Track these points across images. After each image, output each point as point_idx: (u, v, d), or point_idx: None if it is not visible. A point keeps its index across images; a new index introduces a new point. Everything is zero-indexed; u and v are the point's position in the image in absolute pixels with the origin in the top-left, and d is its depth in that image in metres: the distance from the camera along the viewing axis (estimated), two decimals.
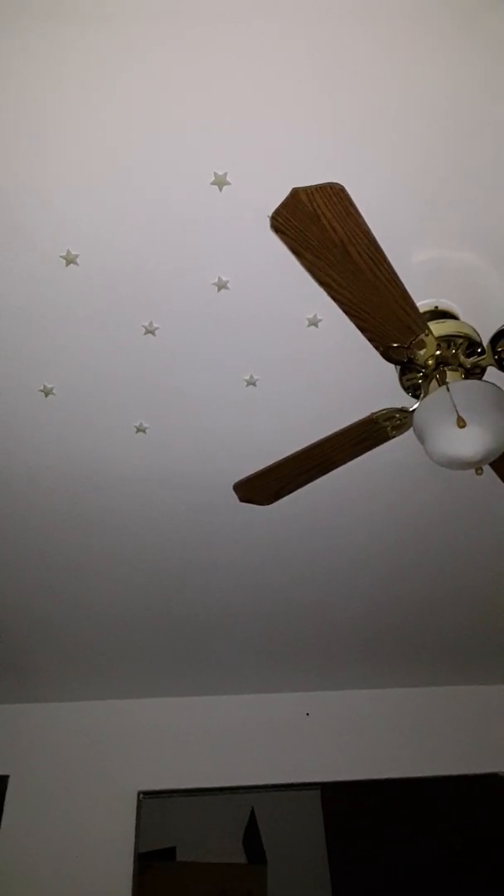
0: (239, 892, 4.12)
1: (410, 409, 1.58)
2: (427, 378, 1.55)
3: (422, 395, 1.58)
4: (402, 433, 1.65)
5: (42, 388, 1.80)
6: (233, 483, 1.82)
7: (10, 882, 3.04)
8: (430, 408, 1.43)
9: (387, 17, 1.20)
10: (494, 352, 1.51)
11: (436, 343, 1.49)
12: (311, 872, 4.25)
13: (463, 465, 1.44)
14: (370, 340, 1.44)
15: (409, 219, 1.47)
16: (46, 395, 1.82)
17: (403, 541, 2.49)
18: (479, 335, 1.57)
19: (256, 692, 3.64)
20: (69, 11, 1.17)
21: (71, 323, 1.65)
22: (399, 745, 3.52)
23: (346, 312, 1.36)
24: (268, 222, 1.20)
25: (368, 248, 1.22)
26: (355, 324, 1.39)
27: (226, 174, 1.37)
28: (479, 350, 1.56)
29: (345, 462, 1.72)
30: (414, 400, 1.63)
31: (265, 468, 1.73)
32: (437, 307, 1.62)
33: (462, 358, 1.55)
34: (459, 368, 1.54)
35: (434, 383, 1.53)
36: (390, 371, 1.67)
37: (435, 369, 1.53)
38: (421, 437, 1.48)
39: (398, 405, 1.64)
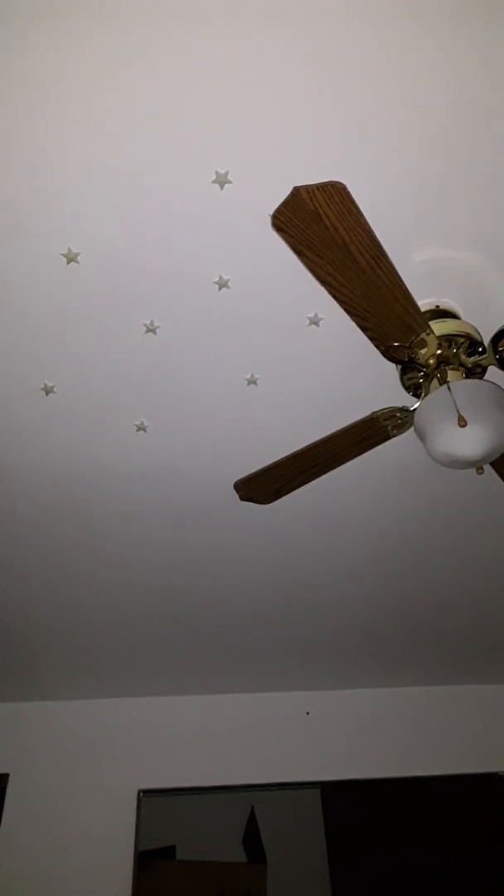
0: (239, 890, 4.13)
1: (411, 409, 1.58)
2: (428, 377, 1.55)
3: (423, 394, 1.58)
4: (402, 432, 1.65)
5: (43, 386, 1.80)
6: (233, 482, 1.82)
7: (10, 880, 3.04)
8: (431, 407, 1.43)
9: (387, 16, 1.20)
10: (495, 351, 1.51)
11: (437, 342, 1.48)
12: (311, 871, 4.24)
13: (464, 464, 1.44)
14: (371, 340, 1.43)
15: (410, 218, 1.47)
16: (47, 393, 1.82)
17: (404, 540, 2.49)
18: (480, 334, 1.57)
19: (256, 691, 3.64)
20: (71, 9, 1.17)
21: (72, 321, 1.65)
22: (399, 745, 3.52)
23: (348, 311, 1.36)
24: (269, 221, 1.20)
25: (370, 247, 1.22)
26: (356, 323, 1.39)
27: (227, 173, 1.37)
28: (480, 349, 1.56)
29: (346, 461, 1.72)
30: (415, 399, 1.63)
31: (266, 467, 1.73)
32: (438, 306, 1.62)
33: (463, 357, 1.55)
34: (460, 368, 1.54)
35: (435, 382, 1.53)
36: (391, 370, 1.67)
37: (436, 368, 1.53)
38: (422, 437, 1.48)
39: (399, 404, 1.64)
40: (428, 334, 1.44)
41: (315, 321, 1.66)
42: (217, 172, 1.37)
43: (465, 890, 3.25)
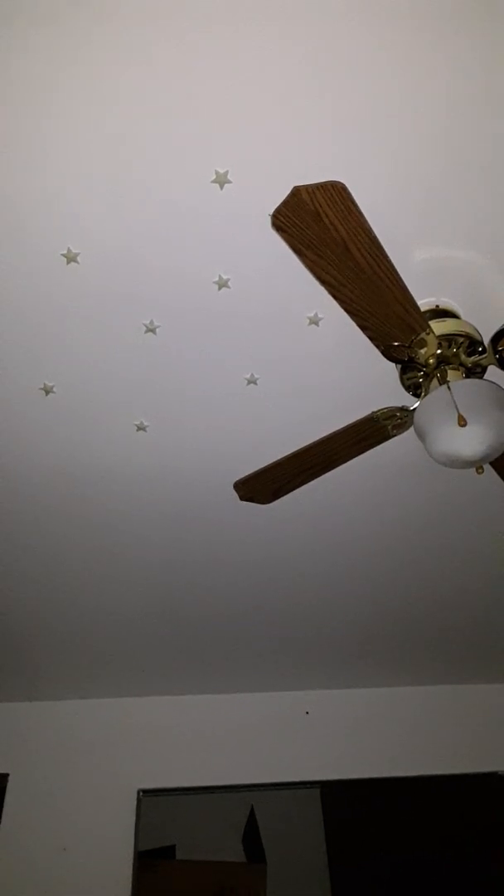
0: (238, 890, 4.13)
1: (411, 408, 1.58)
2: (428, 377, 1.55)
3: (422, 393, 1.58)
4: (402, 432, 1.65)
5: (42, 386, 1.80)
6: (233, 482, 1.82)
7: (10, 880, 3.04)
8: (431, 406, 1.43)
9: (387, 16, 1.20)
10: (495, 350, 1.51)
11: (437, 342, 1.48)
12: (311, 871, 4.25)
13: (464, 463, 1.44)
14: (371, 339, 1.44)
15: (409, 217, 1.47)
16: (47, 393, 1.82)
17: (404, 539, 2.49)
18: (479, 334, 1.57)
19: (256, 691, 3.64)
20: (71, 9, 1.17)
21: (71, 321, 1.65)
22: (399, 744, 3.52)
23: (347, 311, 1.36)
24: (269, 220, 1.20)
25: (369, 247, 1.22)
26: (356, 322, 1.39)
27: (227, 172, 1.37)
28: (480, 349, 1.56)
29: (345, 461, 1.72)
30: (415, 399, 1.63)
31: (265, 467, 1.73)
32: (437, 306, 1.62)
33: (463, 357, 1.55)
34: (460, 367, 1.54)
35: (435, 382, 1.53)
36: (391, 370, 1.67)
37: (436, 368, 1.53)
38: (421, 436, 1.48)
39: (399, 404, 1.64)
40: (428, 334, 1.44)
41: (315, 321, 1.66)
42: (217, 172, 1.37)
43: (465, 889, 3.25)
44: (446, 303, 1.62)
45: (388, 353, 1.48)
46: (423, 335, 1.44)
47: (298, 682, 3.60)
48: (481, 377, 1.56)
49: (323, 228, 1.17)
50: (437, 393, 1.44)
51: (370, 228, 1.19)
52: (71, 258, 1.51)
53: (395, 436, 1.66)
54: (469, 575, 2.73)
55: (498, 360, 1.52)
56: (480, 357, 1.55)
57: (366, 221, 1.18)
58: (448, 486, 2.22)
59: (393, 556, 2.59)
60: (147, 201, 1.42)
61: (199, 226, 1.46)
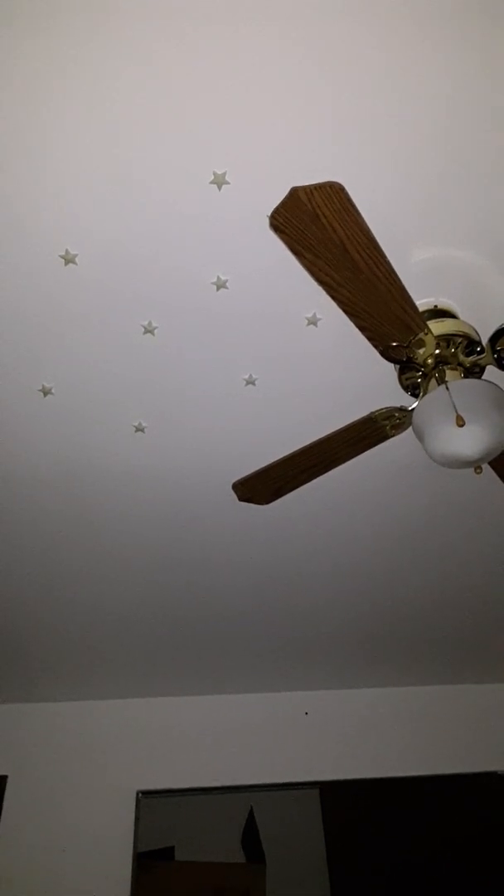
0: (238, 891, 4.12)
1: (410, 408, 1.58)
2: (426, 377, 1.55)
3: (421, 393, 1.58)
4: (401, 432, 1.65)
5: (41, 387, 1.80)
6: (232, 482, 1.82)
7: (9, 881, 3.04)
8: (430, 406, 1.43)
9: (386, 16, 1.20)
10: (494, 350, 1.51)
11: (435, 342, 1.49)
12: (310, 871, 4.24)
13: (462, 463, 1.44)
14: (369, 339, 1.44)
15: (408, 218, 1.47)
16: (45, 394, 1.82)
17: (403, 539, 2.50)
18: (478, 334, 1.57)
19: (255, 691, 3.64)
20: (70, 9, 1.17)
21: (70, 322, 1.64)
22: (398, 744, 3.52)
23: (346, 311, 1.36)
24: (267, 221, 1.20)
25: (367, 248, 1.22)
26: (354, 323, 1.39)
27: (225, 173, 1.37)
28: (479, 349, 1.56)
29: (344, 461, 1.72)
30: (413, 399, 1.63)
31: (264, 467, 1.73)
32: (436, 306, 1.62)
33: (461, 357, 1.55)
34: (459, 367, 1.54)
35: (433, 382, 1.53)
36: (389, 370, 1.67)
37: (434, 368, 1.53)
38: (420, 436, 1.48)
39: (397, 404, 1.64)
40: (426, 334, 1.44)
41: (313, 321, 1.66)
42: (215, 173, 1.37)
43: (465, 889, 3.25)
44: (445, 303, 1.62)
45: (387, 354, 1.48)
46: (421, 335, 1.44)
47: (298, 683, 3.59)
48: (480, 377, 1.56)
49: (321, 229, 1.18)
50: (435, 393, 1.44)
51: (368, 229, 1.19)
52: (69, 259, 1.51)
53: (393, 436, 1.66)
54: (468, 575, 2.74)
55: (496, 359, 1.53)
56: (479, 357, 1.55)
57: (364, 222, 1.18)
58: (447, 486, 2.22)
59: (392, 556, 2.59)
60: (145, 202, 1.42)
61: (198, 226, 1.46)
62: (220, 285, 1.58)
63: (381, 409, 1.60)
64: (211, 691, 3.60)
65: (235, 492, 1.82)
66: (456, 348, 1.54)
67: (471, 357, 1.56)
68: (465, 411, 1.36)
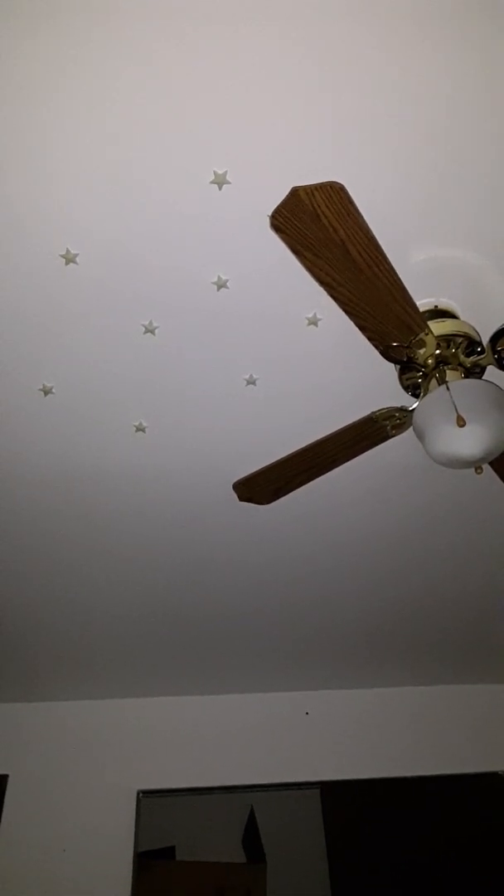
0: (238, 891, 4.13)
1: (410, 409, 1.58)
2: (427, 377, 1.55)
3: (421, 394, 1.58)
4: (401, 432, 1.65)
5: (41, 387, 1.80)
6: (232, 482, 1.82)
7: (10, 880, 3.04)
8: (430, 407, 1.43)
9: (386, 16, 1.20)
10: (494, 351, 1.51)
11: (435, 342, 1.49)
12: (311, 871, 4.24)
13: (463, 464, 1.44)
14: (370, 340, 1.44)
15: (408, 218, 1.47)
16: (46, 394, 1.82)
17: (403, 540, 2.49)
18: (478, 334, 1.57)
19: (256, 691, 3.64)
20: (70, 9, 1.17)
21: (70, 322, 1.65)
22: (399, 745, 3.52)
23: (346, 311, 1.36)
24: (267, 221, 1.20)
25: (368, 247, 1.22)
26: (355, 323, 1.39)
27: (225, 173, 1.37)
28: (479, 349, 1.56)
29: (344, 461, 1.72)
30: (414, 399, 1.63)
31: (264, 467, 1.73)
32: (436, 306, 1.62)
33: (462, 357, 1.55)
34: (459, 367, 1.54)
35: (434, 382, 1.53)
36: (390, 370, 1.67)
37: (435, 368, 1.53)
38: (420, 436, 1.48)
39: (398, 404, 1.64)
40: (427, 334, 1.44)
41: (314, 321, 1.66)
42: (216, 173, 1.37)
43: (466, 889, 3.25)
44: (445, 303, 1.62)
45: (387, 354, 1.48)
46: (421, 335, 1.44)
47: (298, 683, 3.60)
48: (480, 377, 1.56)
49: (321, 229, 1.17)
50: (436, 393, 1.44)
51: (369, 229, 1.19)
52: (70, 259, 1.51)
53: (394, 436, 1.66)
54: (469, 575, 2.73)
55: (497, 360, 1.52)
56: (479, 357, 1.55)
57: (364, 222, 1.18)
58: (447, 487, 2.22)
59: (392, 557, 2.59)
60: (146, 202, 1.42)
61: (198, 226, 1.46)
62: (221, 285, 1.58)
63: (382, 409, 1.60)
64: (211, 691, 3.60)
65: (236, 492, 1.81)
66: (456, 348, 1.54)
67: (471, 357, 1.55)
68: (466, 411, 1.36)
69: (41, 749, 3.42)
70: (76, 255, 1.50)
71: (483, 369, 1.58)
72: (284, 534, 2.41)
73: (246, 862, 4.47)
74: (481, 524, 2.43)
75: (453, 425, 1.37)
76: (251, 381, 1.82)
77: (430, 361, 1.52)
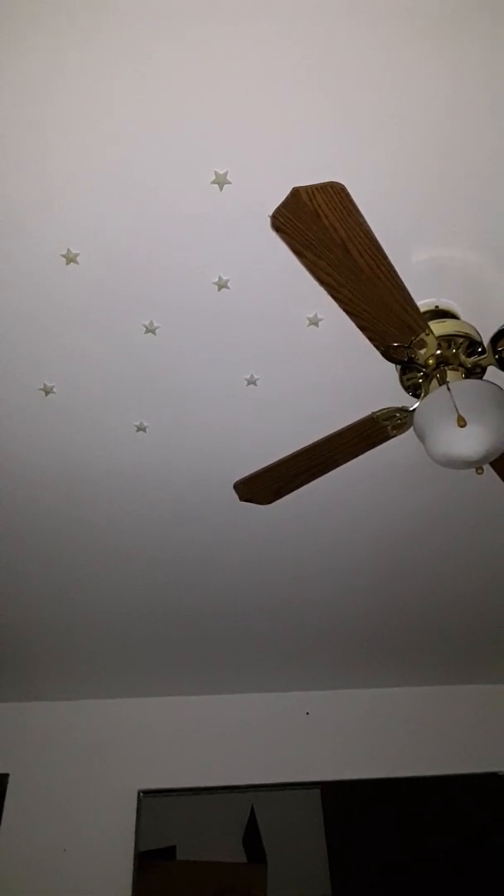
0: (239, 890, 4.13)
1: (411, 409, 1.58)
2: (427, 377, 1.55)
3: (422, 394, 1.58)
4: (402, 432, 1.65)
5: (42, 386, 1.80)
6: (233, 482, 1.82)
7: (10, 880, 3.04)
8: (431, 407, 1.43)
9: (387, 16, 1.20)
10: (495, 351, 1.51)
11: (436, 342, 1.48)
12: (311, 871, 4.25)
13: (463, 464, 1.44)
14: (370, 340, 1.43)
15: (409, 218, 1.47)
16: (47, 393, 1.82)
17: (404, 540, 2.49)
18: (479, 334, 1.57)
19: (256, 691, 3.64)
20: (70, 10, 1.17)
21: (71, 322, 1.65)
22: (399, 745, 3.52)
23: (347, 312, 1.36)
24: (268, 221, 1.20)
25: (369, 248, 1.22)
26: (356, 323, 1.39)
27: (226, 173, 1.37)
28: (480, 349, 1.56)
29: (345, 461, 1.72)
30: (414, 399, 1.63)
31: (265, 467, 1.73)
32: (437, 306, 1.62)
33: (463, 357, 1.55)
34: (460, 368, 1.54)
35: (434, 383, 1.53)
36: (391, 370, 1.67)
37: (435, 369, 1.53)
38: (421, 437, 1.48)
39: (399, 404, 1.64)
40: (427, 334, 1.44)
41: (314, 321, 1.66)
42: (216, 173, 1.37)
43: (465, 889, 3.25)
44: (446, 303, 1.62)
45: (388, 354, 1.48)
46: (422, 336, 1.44)
47: (299, 683, 3.60)
48: (481, 378, 1.56)
49: (322, 229, 1.17)
50: (436, 393, 1.44)
51: (370, 229, 1.19)
52: (71, 259, 1.51)
53: (394, 436, 1.66)
54: (469, 575, 2.73)
55: (497, 360, 1.52)
56: (480, 357, 1.55)
57: (365, 222, 1.18)
58: (448, 487, 2.22)
59: (393, 557, 2.59)
60: (147, 202, 1.42)
61: (199, 226, 1.46)
62: (222, 285, 1.58)
63: (383, 409, 1.60)
64: (212, 691, 3.60)
65: (237, 492, 1.82)
66: (457, 349, 1.54)
67: (472, 357, 1.55)
68: (467, 412, 1.36)
69: (42, 749, 3.43)
70: (77, 254, 1.50)
71: (484, 370, 1.58)
72: (285, 534, 2.41)
73: (246, 862, 4.48)
74: (482, 524, 2.43)
75: (454, 426, 1.36)
76: (252, 381, 1.82)
77: (430, 362, 1.52)
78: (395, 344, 1.44)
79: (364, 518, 2.36)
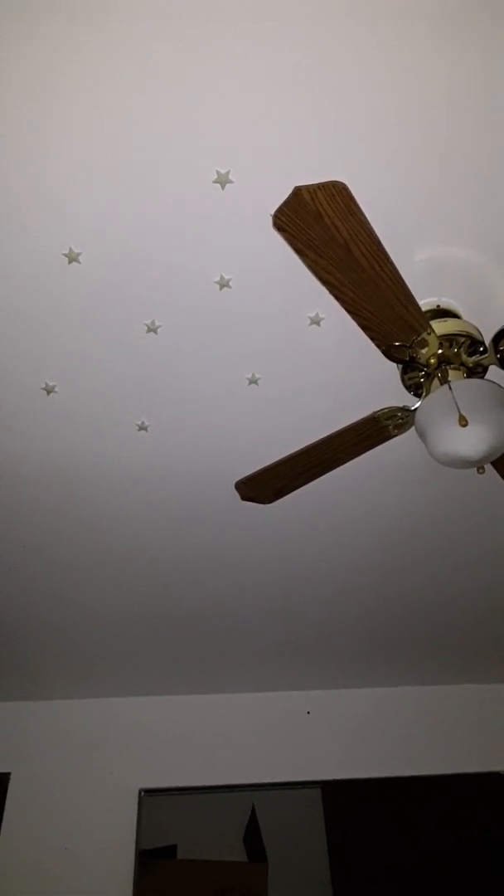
0: (239, 889, 4.13)
1: (412, 408, 1.58)
2: (429, 377, 1.55)
3: (424, 393, 1.58)
4: (403, 432, 1.65)
5: (44, 385, 1.81)
6: (234, 481, 1.82)
7: (11, 879, 3.04)
8: (432, 406, 1.43)
9: (387, 16, 1.20)
10: (496, 350, 1.51)
11: (438, 342, 1.48)
12: (312, 871, 4.24)
13: (465, 463, 1.43)
14: (372, 339, 1.44)
15: (410, 217, 1.47)
16: (48, 392, 1.82)
17: (405, 539, 2.49)
18: (481, 334, 1.57)
19: (257, 690, 3.64)
20: (72, 9, 1.17)
21: (73, 321, 1.65)
22: (400, 744, 3.52)
23: (348, 311, 1.36)
24: (270, 221, 1.20)
25: (371, 247, 1.22)
26: (357, 322, 1.39)
27: (228, 172, 1.37)
28: (482, 349, 1.56)
29: (346, 461, 1.72)
30: (416, 399, 1.63)
31: (266, 467, 1.73)
32: (439, 306, 1.62)
33: (464, 357, 1.55)
34: (461, 367, 1.54)
35: (436, 382, 1.53)
36: (392, 370, 1.67)
37: (437, 368, 1.53)
38: (423, 436, 1.48)
39: (400, 404, 1.64)
40: (429, 334, 1.44)
41: (316, 321, 1.66)
42: (218, 172, 1.37)
43: (466, 889, 3.25)
44: (447, 302, 1.62)
45: (390, 353, 1.48)
46: (424, 335, 1.44)
47: (299, 682, 3.60)
48: (482, 377, 1.56)
49: (324, 228, 1.17)
50: (438, 393, 1.44)
51: (371, 228, 1.19)
52: (72, 258, 1.51)
53: (396, 436, 1.66)
54: (470, 575, 2.73)
55: (499, 359, 1.52)
56: (482, 357, 1.55)
57: (367, 221, 1.18)
58: (449, 486, 2.22)
59: (394, 556, 2.59)
60: (148, 201, 1.42)
61: (201, 226, 1.46)
62: (223, 284, 1.58)
63: (384, 408, 1.60)
64: (213, 690, 3.60)
65: (238, 491, 1.82)
66: (459, 348, 1.54)
67: (473, 357, 1.55)
68: (468, 411, 1.36)
69: (43, 748, 3.43)
70: (79, 254, 1.50)
71: (485, 369, 1.58)
72: (286, 533, 2.41)
73: (247, 861, 4.47)
74: (483, 524, 2.43)
75: (455, 425, 1.36)
76: (253, 381, 1.82)
77: (432, 361, 1.52)
78: (397, 343, 1.44)
79: (365, 517, 2.36)
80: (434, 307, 1.61)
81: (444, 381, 1.50)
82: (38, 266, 1.52)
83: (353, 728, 3.57)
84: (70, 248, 1.49)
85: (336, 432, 1.63)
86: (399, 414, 1.60)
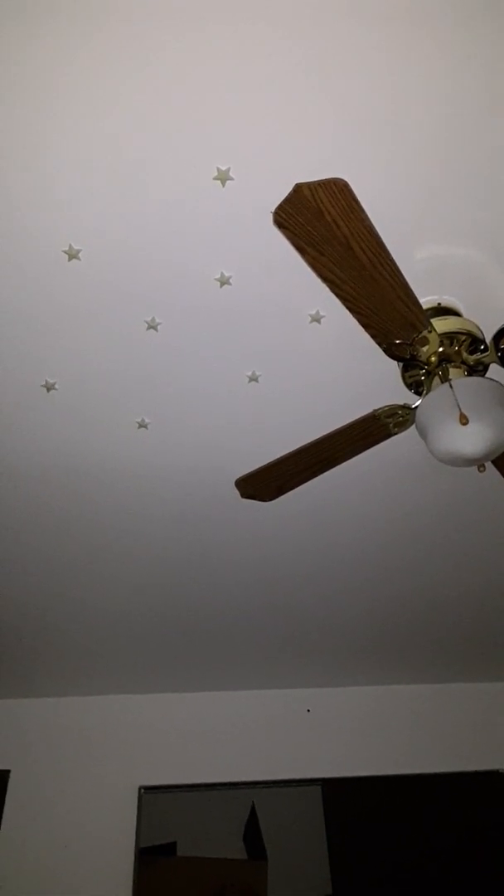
0: (239, 887, 4.14)
1: (413, 406, 1.58)
2: (430, 375, 1.55)
3: (424, 391, 1.58)
4: (404, 430, 1.65)
5: (44, 383, 1.80)
6: (234, 479, 1.82)
7: (11, 876, 3.05)
8: (433, 404, 1.43)
9: (387, 16, 1.19)
10: (497, 349, 1.51)
11: (438, 340, 1.48)
12: (312, 868, 4.25)
13: (465, 462, 1.43)
14: (373, 337, 1.43)
15: (411, 215, 1.47)
16: (48, 390, 1.82)
17: (405, 537, 2.49)
18: (481, 332, 1.57)
19: (257, 688, 3.65)
20: (72, 8, 1.17)
21: (73, 318, 1.64)
22: (400, 742, 3.53)
23: (349, 309, 1.36)
24: (270, 218, 1.20)
25: (371, 245, 1.22)
26: (358, 320, 1.39)
27: (228, 169, 1.37)
28: (482, 347, 1.55)
29: (347, 458, 1.71)
30: (416, 397, 1.63)
31: (267, 464, 1.73)
32: (439, 304, 1.61)
33: (465, 355, 1.54)
34: (462, 365, 1.54)
35: (437, 380, 1.53)
36: (393, 368, 1.67)
37: (437, 366, 1.53)
38: (423, 434, 1.48)
39: (401, 402, 1.64)
40: (430, 332, 1.44)
41: (316, 318, 1.66)
42: (219, 169, 1.37)
43: (466, 887, 3.26)
44: (448, 300, 1.62)
45: (390, 351, 1.47)
46: (424, 333, 1.43)
47: (300, 680, 3.60)
48: (483, 375, 1.56)
49: (325, 226, 1.17)
50: (438, 391, 1.43)
51: (372, 226, 1.19)
52: (73, 255, 1.50)
53: (396, 434, 1.65)
54: (470, 573, 2.73)
55: (500, 357, 1.52)
56: (482, 355, 1.55)
57: (368, 219, 1.18)
58: (450, 485, 2.22)
59: (394, 554, 2.59)
60: (148, 199, 1.42)
61: (201, 223, 1.46)
62: (224, 282, 1.57)
63: (385, 406, 1.59)
64: (213, 687, 3.61)
65: (238, 489, 1.81)
66: (459, 346, 1.53)
67: (474, 355, 1.55)
68: (469, 409, 1.36)
69: (43, 745, 3.43)
70: (79, 251, 1.50)
71: (486, 367, 1.57)
72: (286, 531, 2.41)
73: (247, 858, 4.48)
74: (483, 522, 2.43)
75: (456, 423, 1.36)
76: (253, 378, 1.82)
77: (433, 359, 1.52)
78: (398, 341, 1.44)
79: (366, 515, 2.36)
80: (435, 305, 1.61)
81: (445, 379, 1.50)
82: (38, 263, 1.52)
83: (353, 726, 3.57)
84: (70, 246, 1.49)
85: (336, 430, 1.63)
86: (399, 412, 1.60)
